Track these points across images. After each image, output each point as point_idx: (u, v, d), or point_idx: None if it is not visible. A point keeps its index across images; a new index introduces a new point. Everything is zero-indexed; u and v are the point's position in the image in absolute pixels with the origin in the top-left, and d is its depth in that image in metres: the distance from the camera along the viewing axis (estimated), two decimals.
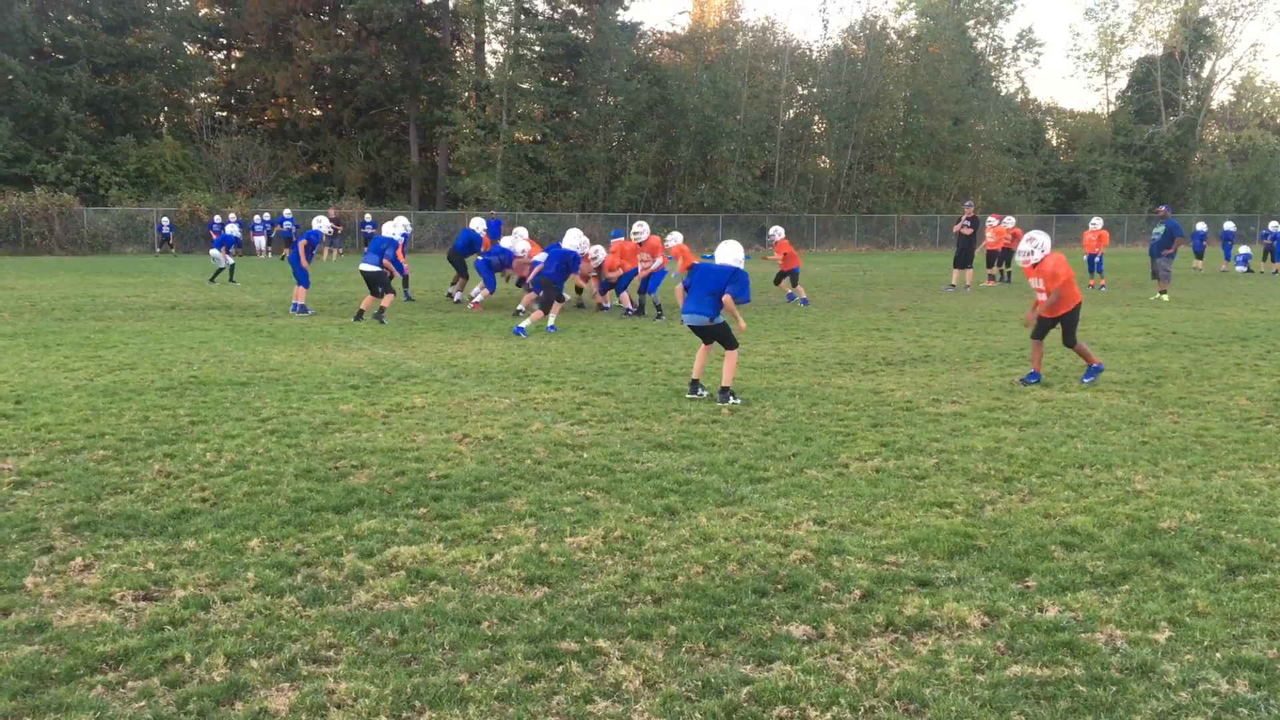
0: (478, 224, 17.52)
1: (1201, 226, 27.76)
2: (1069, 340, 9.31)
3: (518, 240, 16.15)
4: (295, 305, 15.74)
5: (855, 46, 53.75)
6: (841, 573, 4.35)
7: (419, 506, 5.30)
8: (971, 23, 60.10)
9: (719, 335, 8.51)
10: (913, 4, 61.92)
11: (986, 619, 3.88)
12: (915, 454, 6.51)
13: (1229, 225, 30.88)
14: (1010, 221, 23.96)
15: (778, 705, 3.21)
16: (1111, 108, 67.08)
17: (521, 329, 12.85)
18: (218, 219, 34.60)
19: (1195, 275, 26.21)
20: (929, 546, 4.66)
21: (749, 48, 52.83)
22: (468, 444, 6.75)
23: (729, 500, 5.46)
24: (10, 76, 39.46)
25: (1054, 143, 65.23)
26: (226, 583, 4.22)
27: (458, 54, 51.65)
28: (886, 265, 33.45)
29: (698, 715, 3.16)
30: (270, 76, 47.44)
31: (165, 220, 38.13)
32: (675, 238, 16.45)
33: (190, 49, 48.51)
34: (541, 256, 14.06)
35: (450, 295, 17.96)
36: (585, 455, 6.42)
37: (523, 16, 47.43)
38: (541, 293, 13.55)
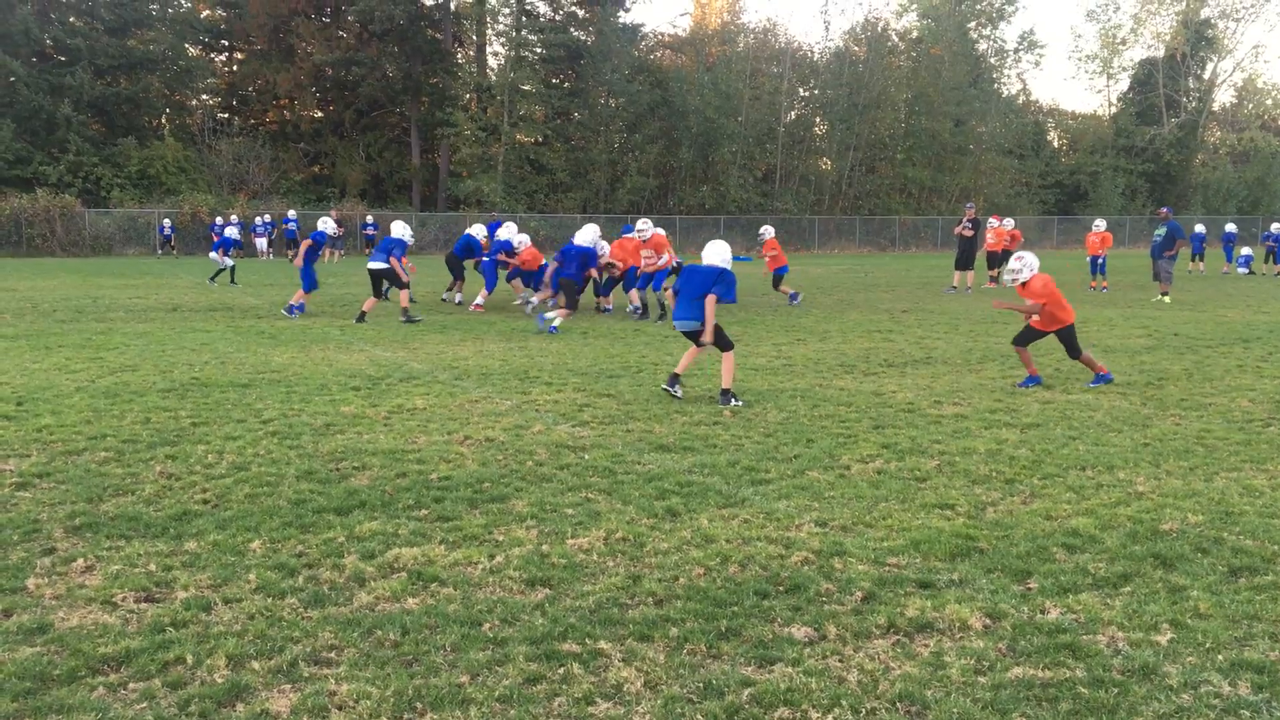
0: (478, 230, 17.57)
1: (1200, 228, 27.75)
2: (1073, 354, 9.33)
3: (509, 231, 16.55)
4: (290, 306, 15.69)
5: (857, 48, 53.82)
6: (843, 574, 4.35)
7: (420, 508, 5.30)
8: (973, 24, 60.16)
9: (713, 337, 8.48)
10: (914, 6, 62.00)
11: (988, 621, 3.87)
12: (917, 456, 6.50)
13: (1231, 227, 30.88)
14: (1010, 223, 23.97)
15: (779, 707, 3.21)
16: (1113, 109, 67.15)
17: (553, 326, 13.26)
18: (219, 220, 34.65)
19: (1196, 277, 26.20)
20: (930, 548, 4.65)
21: (750, 49, 52.88)
22: (469, 445, 6.75)
23: (730, 502, 5.45)
24: (12, 78, 39.55)
25: (1055, 144, 65.28)
26: (228, 584, 4.22)
27: (459, 56, 51.72)
28: (888, 267, 33.45)
29: (699, 717, 3.16)
30: (272, 78, 47.52)
31: (167, 222, 38.19)
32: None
33: (192, 51, 48.65)
34: (549, 264, 14.56)
35: (445, 300, 18.06)
36: (587, 457, 6.42)
37: (524, 18, 47.52)
38: (561, 293, 14.13)
